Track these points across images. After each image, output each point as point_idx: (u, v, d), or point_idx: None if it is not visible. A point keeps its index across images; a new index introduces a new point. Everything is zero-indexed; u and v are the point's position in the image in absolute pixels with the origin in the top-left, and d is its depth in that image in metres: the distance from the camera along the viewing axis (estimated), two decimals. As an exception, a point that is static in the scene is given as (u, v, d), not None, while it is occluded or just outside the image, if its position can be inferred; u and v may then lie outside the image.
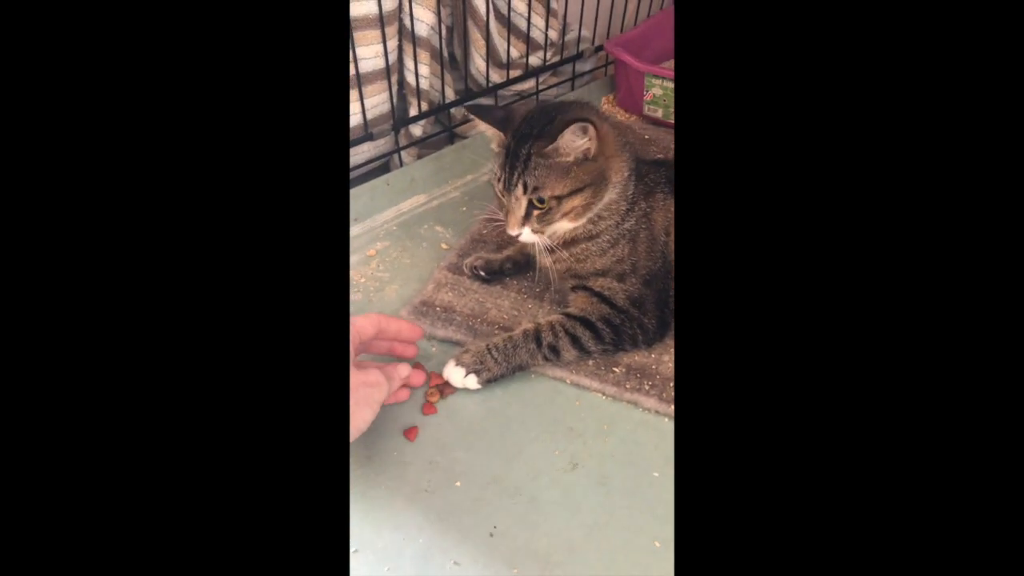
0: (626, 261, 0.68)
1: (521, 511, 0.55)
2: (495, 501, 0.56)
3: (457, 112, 1.03)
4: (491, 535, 0.54)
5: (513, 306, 0.75)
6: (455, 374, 0.65)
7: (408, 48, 0.92)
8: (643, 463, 0.59)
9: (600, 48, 1.16)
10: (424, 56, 0.93)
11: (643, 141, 1.05)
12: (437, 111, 1.00)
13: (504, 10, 1.01)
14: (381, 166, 0.99)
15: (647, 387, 0.65)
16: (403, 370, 0.62)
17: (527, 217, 0.65)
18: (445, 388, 0.66)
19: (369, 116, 0.89)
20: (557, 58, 1.13)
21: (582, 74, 1.19)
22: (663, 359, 0.68)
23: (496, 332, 0.71)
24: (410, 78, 0.94)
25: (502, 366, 0.65)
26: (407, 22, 0.90)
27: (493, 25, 0.99)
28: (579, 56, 1.15)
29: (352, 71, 0.84)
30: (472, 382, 0.65)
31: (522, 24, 1.03)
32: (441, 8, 0.94)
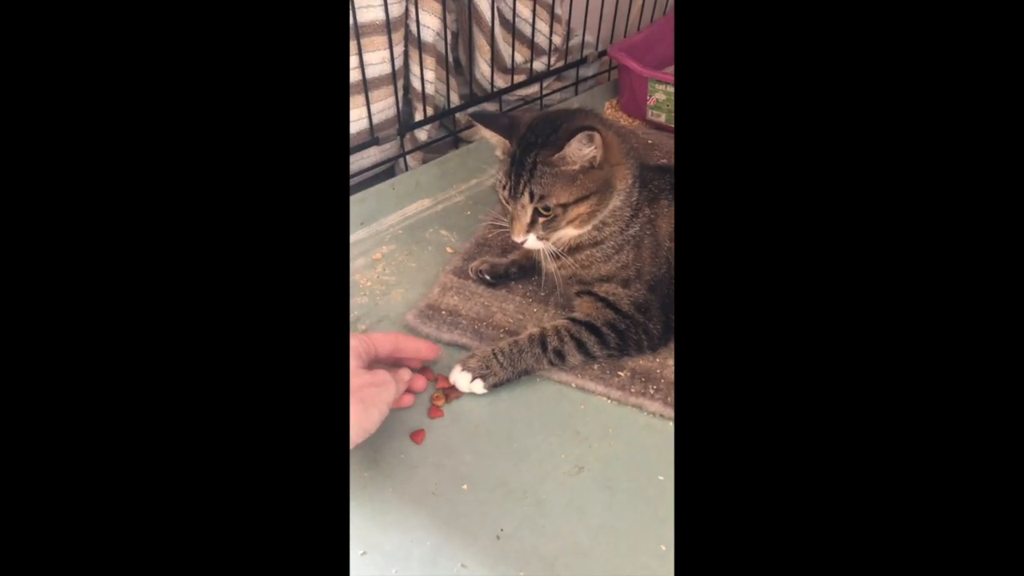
0: (631, 267, 0.69)
1: (527, 514, 0.56)
2: (502, 504, 0.57)
3: (462, 117, 1.04)
4: (498, 538, 0.54)
5: (518, 310, 0.76)
6: (461, 379, 0.65)
7: (414, 54, 0.93)
8: (648, 467, 0.60)
9: (603, 53, 1.17)
10: (430, 61, 0.94)
11: (646, 146, 1.06)
12: (442, 116, 1.00)
13: (509, 16, 1.02)
14: (387, 170, 1.00)
15: (652, 391, 0.66)
16: (405, 374, 0.62)
17: (532, 224, 0.66)
18: (451, 392, 0.66)
19: (375, 121, 0.90)
20: (561, 63, 1.14)
21: (586, 79, 1.20)
22: (667, 363, 0.69)
23: (501, 336, 0.72)
24: (416, 83, 0.95)
25: (508, 371, 0.66)
26: (413, 28, 0.91)
27: (498, 31, 1.00)
28: (583, 61, 1.15)
29: (359, 76, 0.85)
30: (478, 387, 0.65)
31: (526, 30, 1.04)
32: (447, 14, 0.95)
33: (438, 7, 0.91)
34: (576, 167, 0.63)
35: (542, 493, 0.58)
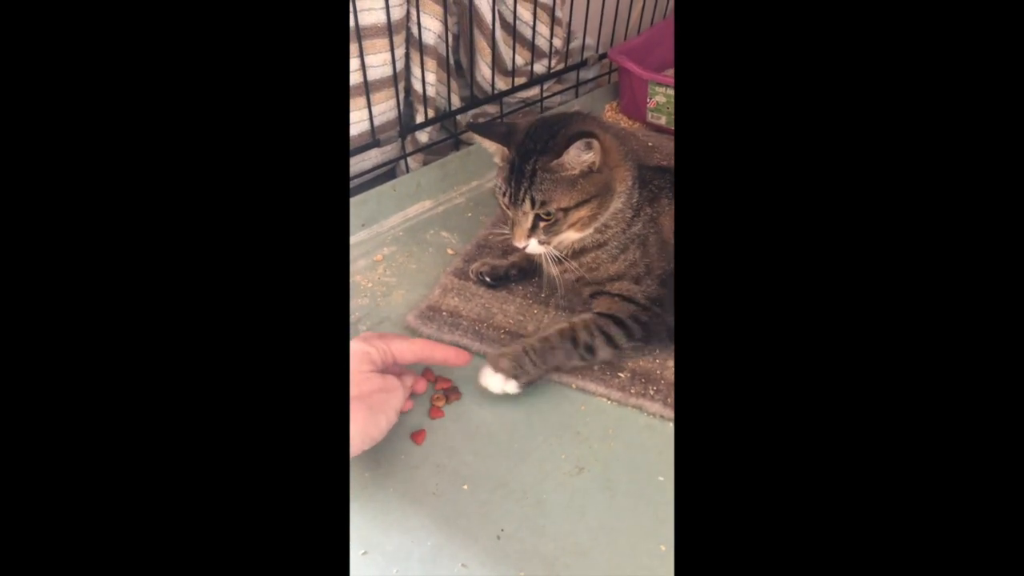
0: (639, 264, 0.69)
1: (528, 514, 0.56)
2: (502, 504, 0.57)
3: (463, 119, 1.05)
4: (498, 538, 0.54)
5: (519, 311, 0.76)
6: (494, 381, 0.64)
7: (415, 56, 0.93)
8: (648, 467, 0.60)
9: (604, 56, 1.17)
10: (431, 64, 0.94)
11: (646, 148, 1.06)
12: (443, 118, 1.01)
13: (510, 19, 1.02)
14: (388, 172, 1.00)
15: (652, 392, 0.66)
16: (409, 379, 0.61)
17: (533, 229, 0.66)
18: (451, 394, 0.67)
19: (376, 123, 0.90)
20: (561, 66, 1.14)
21: (586, 82, 1.20)
22: (668, 365, 0.69)
23: (502, 337, 0.72)
24: (417, 85, 0.95)
25: (540, 368, 0.65)
26: (415, 31, 0.91)
27: (499, 33, 1.00)
28: (583, 64, 1.16)
29: (360, 79, 0.85)
30: (512, 387, 0.64)
31: (527, 32, 1.04)
32: (448, 17, 0.95)
33: (439, 10, 0.92)
34: (575, 172, 0.63)
35: (542, 493, 0.58)
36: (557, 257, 0.68)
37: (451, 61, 1.00)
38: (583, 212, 0.65)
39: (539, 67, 1.10)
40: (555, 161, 0.62)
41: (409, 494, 0.57)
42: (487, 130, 0.69)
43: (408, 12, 0.89)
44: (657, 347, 0.69)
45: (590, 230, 0.68)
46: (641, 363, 0.69)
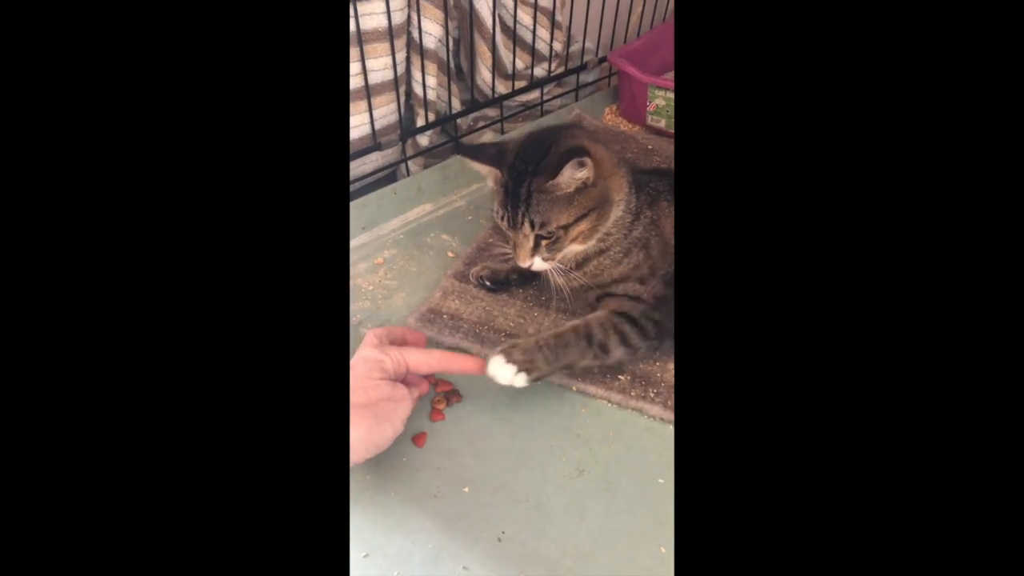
0: (643, 266, 0.69)
1: (529, 517, 0.56)
2: (503, 506, 0.57)
3: (463, 122, 1.05)
4: (499, 540, 0.55)
5: (519, 314, 0.76)
6: (504, 371, 0.60)
7: (416, 60, 0.93)
8: (648, 469, 0.60)
9: (603, 59, 1.18)
10: (431, 68, 0.95)
11: (646, 151, 1.06)
12: (443, 121, 1.01)
13: (510, 23, 1.03)
14: (388, 175, 1.01)
15: (652, 394, 0.66)
16: (417, 390, 0.61)
17: (536, 248, 0.66)
18: (452, 396, 0.67)
19: (377, 126, 0.91)
20: (561, 69, 1.15)
21: (586, 85, 1.21)
22: (668, 367, 0.69)
23: (503, 340, 0.72)
24: (418, 89, 0.95)
25: (552, 365, 0.62)
26: (415, 35, 0.91)
27: (499, 37, 1.01)
28: (583, 67, 1.16)
29: (362, 83, 0.86)
30: (521, 380, 0.61)
31: (527, 36, 1.05)
32: (448, 21, 0.95)
33: (440, 14, 0.92)
34: (571, 189, 0.64)
35: (543, 496, 0.58)
36: (561, 269, 0.68)
37: (452, 65, 1.00)
38: (583, 226, 0.65)
39: (539, 71, 1.10)
40: (549, 182, 0.62)
41: (410, 496, 0.58)
42: (476, 153, 0.68)
43: (409, 16, 0.90)
44: (669, 347, 0.68)
45: (593, 241, 0.68)
46: (641, 365, 0.69)
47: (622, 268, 0.69)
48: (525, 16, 1.03)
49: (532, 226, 0.64)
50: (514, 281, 0.80)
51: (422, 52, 0.92)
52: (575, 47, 1.18)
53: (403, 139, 0.96)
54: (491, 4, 0.96)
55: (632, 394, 0.66)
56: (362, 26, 0.82)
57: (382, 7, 0.82)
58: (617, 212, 0.68)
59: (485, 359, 0.62)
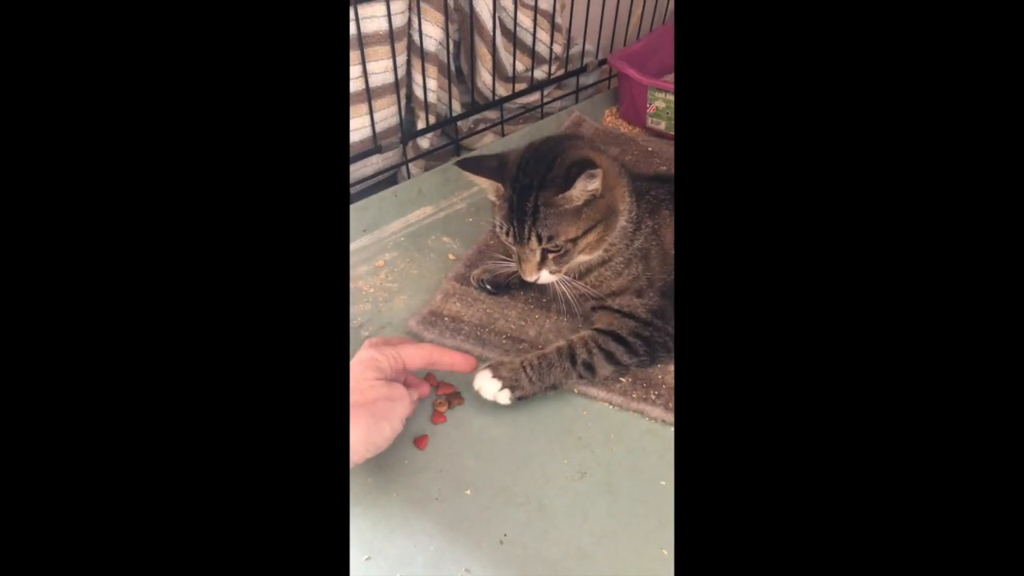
0: (641, 277, 0.69)
1: (530, 519, 0.56)
2: (505, 509, 0.57)
3: (464, 125, 1.05)
4: (501, 542, 0.54)
5: (520, 316, 0.76)
6: (489, 386, 0.63)
7: (416, 63, 0.94)
8: (650, 472, 0.60)
9: (604, 62, 1.18)
10: (432, 70, 0.95)
11: (646, 153, 1.06)
12: (444, 124, 1.01)
13: (510, 25, 1.03)
14: (389, 178, 1.01)
15: (653, 397, 0.66)
16: (416, 391, 0.61)
17: (543, 262, 0.66)
18: (453, 399, 0.67)
19: (378, 129, 0.91)
20: (561, 72, 1.15)
21: (586, 87, 1.21)
22: (668, 369, 0.69)
23: (504, 342, 0.72)
24: (418, 92, 0.95)
25: (536, 385, 0.64)
26: (416, 38, 0.92)
27: (499, 40, 1.01)
28: (583, 70, 1.16)
29: (362, 86, 0.86)
30: (505, 397, 0.63)
31: (527, 39, 1.05)
32: (449, 24, 0.96)
33: (440, 17, 0.92)
34: (580, 202, 0.63)
35: (545, 498, 0.58)
36: (566, 280, 0.68)
37: (452, 67, 1.00)
38: (591, 238, 0.65)
39: (539, 73, 1.10)
40: (560, 195, 0.62)
41: (412, 499, 0.58)
42: (477, 166, 0.68)
43: (409, 19, 0.90)
44: (660, 362, 0.69)
45: (599, 251, 0.68)
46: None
47: (621, 280, 0.69)
48: (525, 19, 1.03)
49: (539, 240, 0.64)
50: (515, 284, 0.80)
51: (423, 55, 0.93)
52: (575, 49, 1.18)
53: (404, 142, 0.96)
54: (491, 7, 0.96)
55: (633, 396, 0.66)
56: (363, 29, 0.82)
57: (383, 10, 0.83)
58: (621, 221, 0.68)
59: (477, 359, 0.63)
